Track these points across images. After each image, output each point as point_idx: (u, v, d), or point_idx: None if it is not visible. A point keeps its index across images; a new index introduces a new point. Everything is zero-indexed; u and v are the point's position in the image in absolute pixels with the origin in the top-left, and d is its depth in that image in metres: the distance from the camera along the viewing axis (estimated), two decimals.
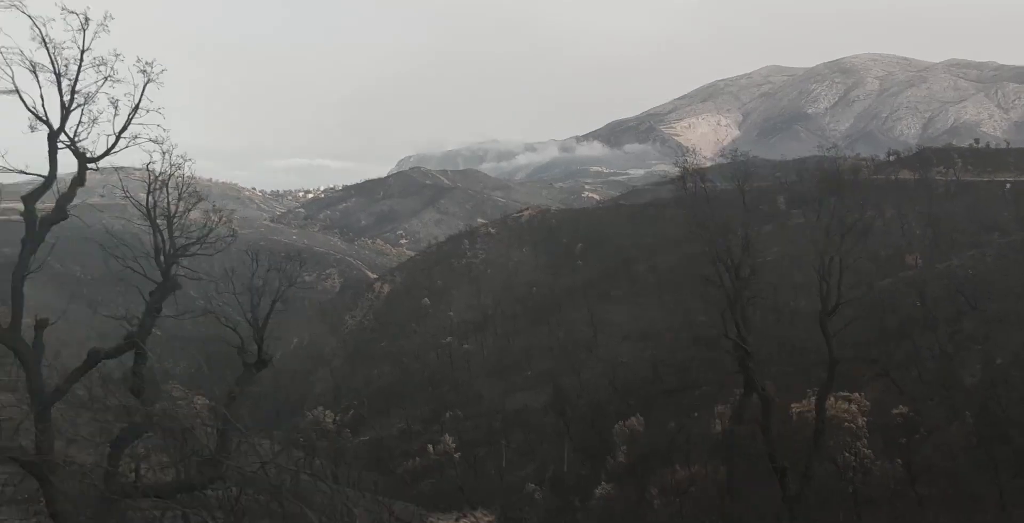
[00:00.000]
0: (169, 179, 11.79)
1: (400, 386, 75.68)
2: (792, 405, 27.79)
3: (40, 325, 10.46)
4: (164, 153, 11.65)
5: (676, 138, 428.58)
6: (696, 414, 36.83)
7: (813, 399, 25.57)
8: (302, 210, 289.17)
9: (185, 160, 12.17)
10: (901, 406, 27.94)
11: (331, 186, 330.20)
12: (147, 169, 11.84)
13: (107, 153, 11.45)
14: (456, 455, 40.13)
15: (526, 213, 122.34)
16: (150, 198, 12.00)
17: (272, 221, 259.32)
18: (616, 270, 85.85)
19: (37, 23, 9.88)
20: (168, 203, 12.14)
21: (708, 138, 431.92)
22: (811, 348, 37.80)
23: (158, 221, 11.89)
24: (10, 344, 9.91)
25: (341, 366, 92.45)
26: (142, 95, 10.89)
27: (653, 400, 41.26)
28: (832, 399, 25.47)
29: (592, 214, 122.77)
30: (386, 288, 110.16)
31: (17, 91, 10.14)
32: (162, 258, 11.79)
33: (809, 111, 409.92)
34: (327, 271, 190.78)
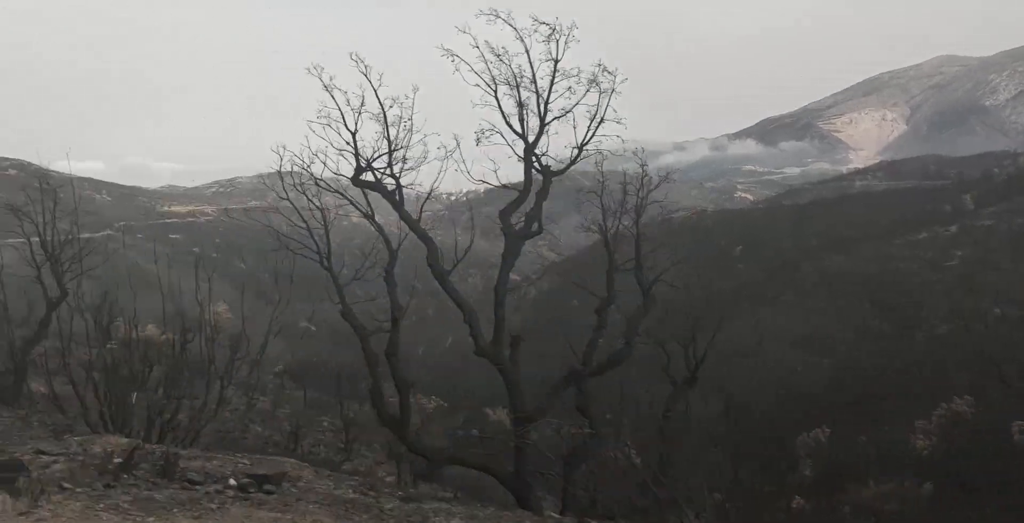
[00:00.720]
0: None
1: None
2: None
3: (515, 342, 10.80)
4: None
5: (836, 134, 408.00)
6: (887, 428, 34.27)
7: None
8: (445, 212, 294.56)
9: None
10: None
11: (474, 188, 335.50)
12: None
13: (570, 165, 11.90)
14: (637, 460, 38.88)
15: (679, 214, 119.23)
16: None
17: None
18: (779, 273, 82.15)
19: (521, 35, 10.06)
20: None
21: (871, 134, 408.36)
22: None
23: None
24: (494, 360, 10.15)
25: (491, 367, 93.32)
26: (606, 106, 11.05)
27: (835, 411, 38.81)
28: None
29: (749, 215, 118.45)
30: (532, 291, 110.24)
31: (499, 106, 10.44)
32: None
33: (987, 103, 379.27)
34: (469, 271, 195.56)
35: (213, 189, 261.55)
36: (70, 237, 17.52)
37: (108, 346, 23.24)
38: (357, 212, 11.81)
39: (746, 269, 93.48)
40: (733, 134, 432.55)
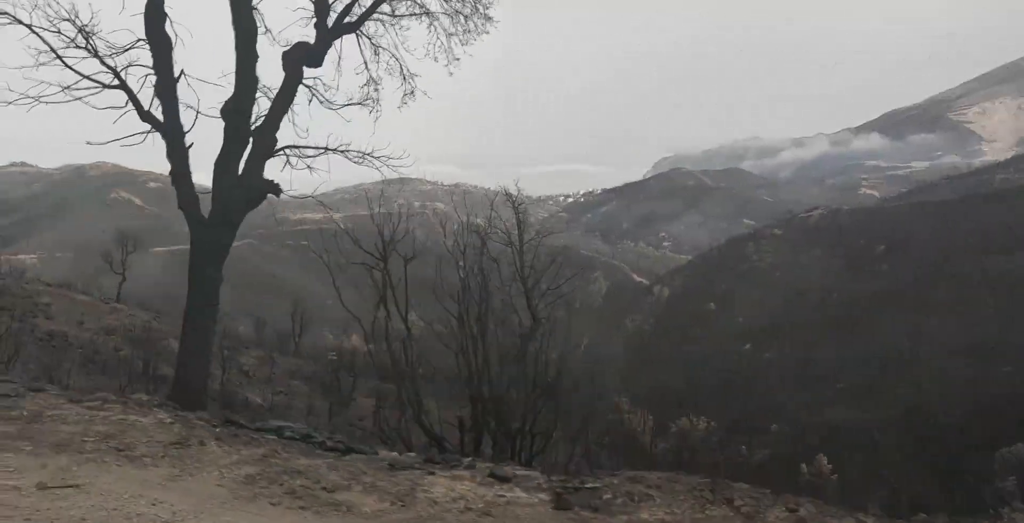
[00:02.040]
0: None
1: (690, 392, 73.68)
2: None
3: None
4: None
5: (967, 126, 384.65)
6: None
7: None
8: (565, 214, 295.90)
9: None
10: None
11: (589, 190, 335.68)
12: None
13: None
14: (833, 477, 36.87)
15: (815, 213, 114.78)
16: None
17: (537, 224, 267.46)
18: (930, 275, 77.36)
19: None
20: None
21: (1007, 124, 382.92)
22: None
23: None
24: None
25: (622, 369, 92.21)
26: None
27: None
28: None
29: (888, 213, 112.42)
30: (665, 292, 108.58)
31: None
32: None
33: None
34: (594, 274, 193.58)
35: (339, 196, 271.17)
36: None
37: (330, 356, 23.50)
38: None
39: (889, 270, 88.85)
40: (856, 128, 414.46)
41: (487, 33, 11.65)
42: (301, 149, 11.30)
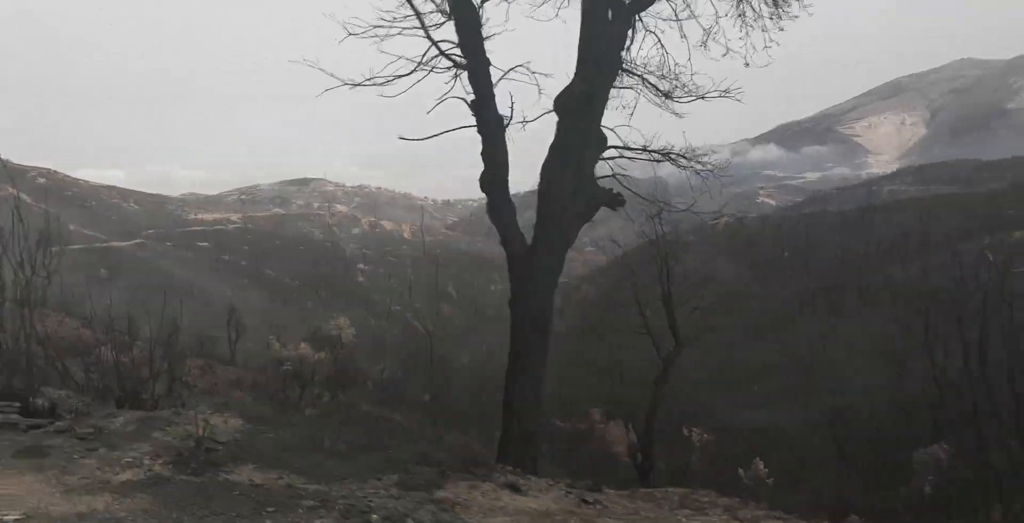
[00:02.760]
0: None
1: (617, 395, 74.80)
2: None
3: None
4: None
5: (855, 139, 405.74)
6: (1016, 446, 33.41)
7: None
8: (474, 218, 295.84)
9: None
10: None
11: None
12: None
13: None
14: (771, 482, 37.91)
15: (722, 221, 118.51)
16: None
17: (447, 229, 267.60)
18: (835, 282, 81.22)
19: None
20: None
21: (891, 139, 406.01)
22: None
23: None
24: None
25: (550, 372, 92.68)
26: None
27: (946, 426, 37.93)
28: None
29: (792, 221, 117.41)
30: (589, 293, 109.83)
31: None
32: None
33: (1009, 106, 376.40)
34: (492, 276, 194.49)
35: (234, 196, 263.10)
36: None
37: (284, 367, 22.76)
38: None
39: (795, 277, 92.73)
40: (753, 138, 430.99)
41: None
42: (621, 149, 9.46)
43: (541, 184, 8.88)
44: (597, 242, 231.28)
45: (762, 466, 40.77)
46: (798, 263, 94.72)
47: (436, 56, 9.11)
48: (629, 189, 9.81)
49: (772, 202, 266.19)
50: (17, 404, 6.78)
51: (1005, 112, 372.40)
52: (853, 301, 73.38)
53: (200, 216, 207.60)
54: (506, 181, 8.94)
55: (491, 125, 9.00)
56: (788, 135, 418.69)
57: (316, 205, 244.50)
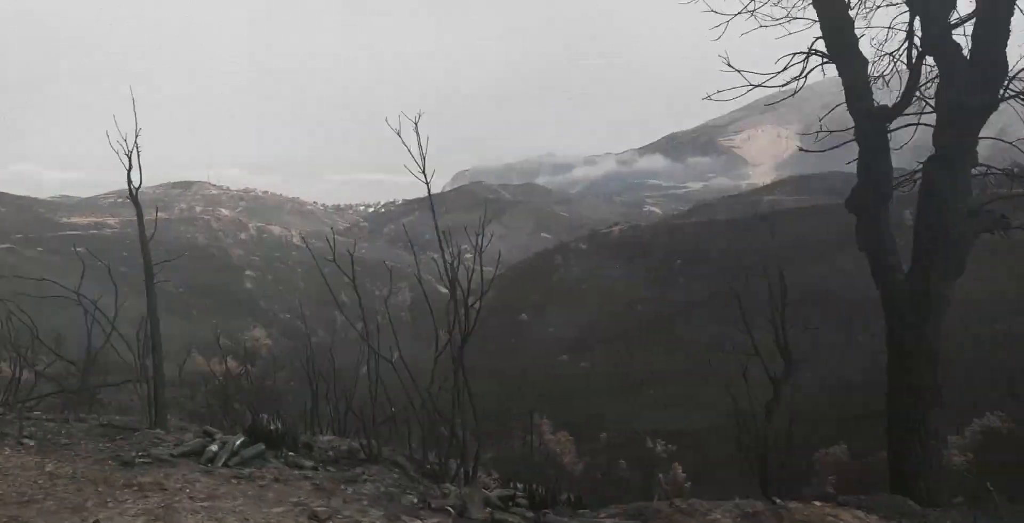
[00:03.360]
0: None
1: (512, 403, 74.45)
2: None
3: None
4: None
5: (736, 150, 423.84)
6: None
7: None
8: (366, 224, 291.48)
9: None
10: None
11: (391, 200, 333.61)
12: None
13: None
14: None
15: (616, 229, 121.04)
16: None
17: (338, 235, 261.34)
18: (725, 288, 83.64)
19: None
20: None
21: (768, 151, 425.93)
22: None
23: None
24: None
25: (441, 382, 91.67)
26: None
27: (843, 426, 39.30)
28: None
29: (683, 229, 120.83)
30: (478, 304, 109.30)
31: None
32: None
33: None
34: (399, 285, 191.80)
35: (111, 199, 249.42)
36: None
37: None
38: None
39: (688, 283, 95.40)
40: (640, 149, 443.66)
41: None
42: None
43: (926, 203, 7.41)
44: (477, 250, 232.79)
45: (680, 471, 41.07)
46: (689, 270, 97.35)
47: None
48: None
49: (658, 210, 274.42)
50: None
51: None
52: (743, 307, 75.55)
53: (74, 219, 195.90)
54: (889, 197, 7.53)
55: (868, 127, 7.49)
56: (674, 145, 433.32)
57: (199, 209, 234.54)
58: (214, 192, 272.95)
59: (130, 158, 7.39)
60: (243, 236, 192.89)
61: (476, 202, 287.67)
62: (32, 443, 5.72)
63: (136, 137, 7.27)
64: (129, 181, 7.76)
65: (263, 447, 5.86)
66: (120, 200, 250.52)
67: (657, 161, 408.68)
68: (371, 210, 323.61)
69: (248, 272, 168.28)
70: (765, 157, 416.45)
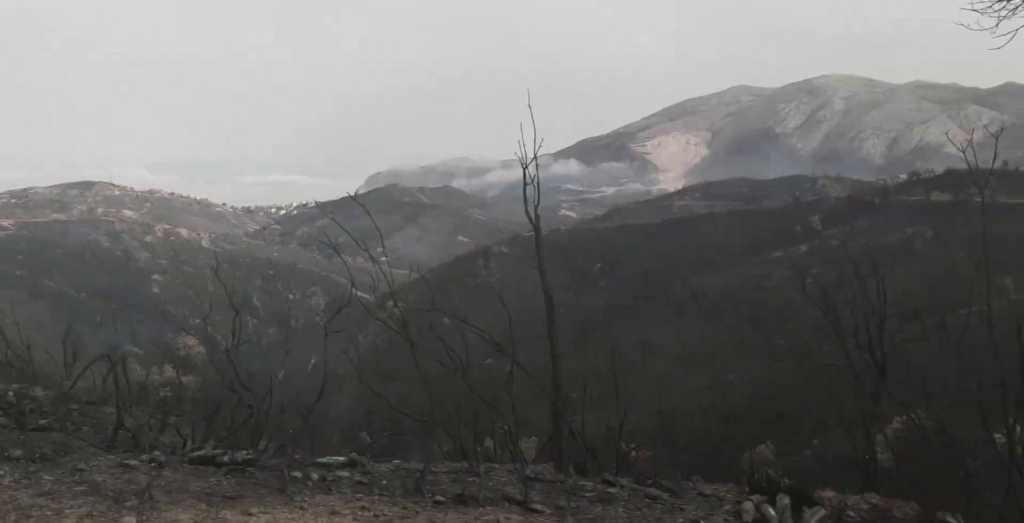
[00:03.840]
0: None
1: (436, 407, 73.99)
2: None
3: None
4: None
5: (647, 156, 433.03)
6: (816, 441, 36.28)
7: None
8: (278, 226, 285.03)
9: None
10: None
11: (303, 202, 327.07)
12: None
13: None
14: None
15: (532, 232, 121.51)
16: None
17: (249, 238, 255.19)
18: (645, 292, 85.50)
19: None
20: None
21: (678, 158, 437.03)
22: None
23: None
24: None
25: (360, 387, 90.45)
26: None
27: (765, 427, 40.63)
28: None
29: (600, 233, 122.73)
30: (398, 308, 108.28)
31: None
32: None
33: (777, 130, 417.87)
34: (311, 289, 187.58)
35: (3, 200, 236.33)
36: None
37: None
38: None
39: (608, 286, 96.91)
40: (555, 153, 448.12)
41: None
42: None
43: None
44: (392, 253, 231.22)
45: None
46: (609, 273, 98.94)
47: None
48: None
49: (574, 215, 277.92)
50: None
51: (774, 136, 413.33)
52: (662, 310, 77.46)
53: None
54: None
55: None
56: (587, 151, 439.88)
57: (100, 210, 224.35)
58: (116, 193, 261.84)
59: None
60: (149, 239, 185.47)
61: (393, 205, 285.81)
62: None
63: None
64: None
65: None
66: (13, 200, 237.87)
67: (571, 166, 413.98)
68: (283, 212, 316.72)
69: (155, 276, 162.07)
70: (675, 163, 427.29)
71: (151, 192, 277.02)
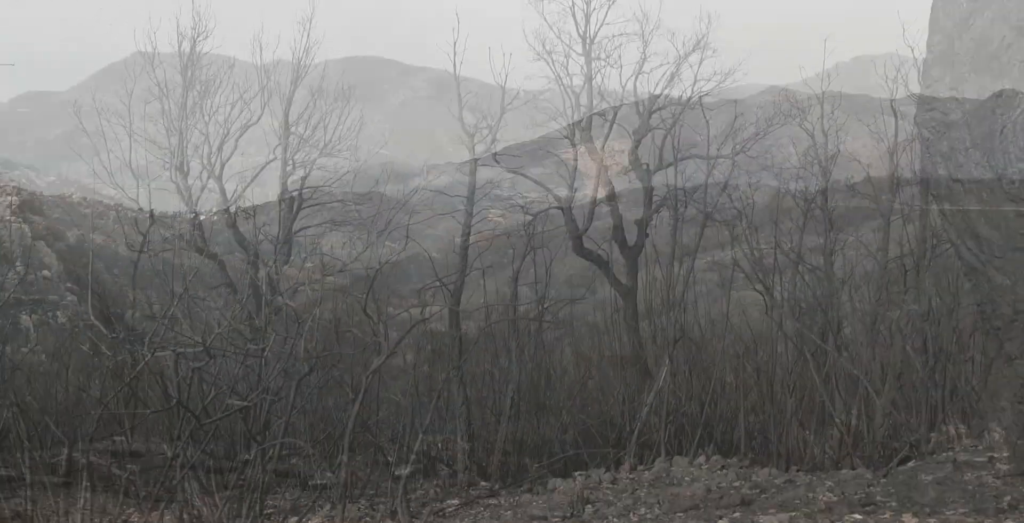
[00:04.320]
0: None
1: (370, 418, 72.89)
2: None
3: None
4: None
5: (572, 162, 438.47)
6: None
7: None
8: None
9: None
10: None
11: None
12: None
13: None
14: None
15: (472, 238, 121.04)
16: None
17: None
18: (574, 295, 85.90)
19: None
20: None
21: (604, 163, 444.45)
22: None
23: None
24: None
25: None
26: None
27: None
28: None
29: (535, 239, 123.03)
30: (327, 314, 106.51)
31: None
32: None
33: (699, 138, 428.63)
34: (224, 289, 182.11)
35: None
36: None
37: None
38: None
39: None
40: (480, 159, 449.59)
41: None
42: None
43: None
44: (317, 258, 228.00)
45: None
46: (550, 281, 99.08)
47: None
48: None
49: (502, 220, 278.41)
50: None
51: (699, 144, 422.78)
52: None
53: None
54: None
55: None
56: (515, 156, 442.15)
57: None
58: None
59: None
60: None
61: (319, 209, 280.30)
62: None
63: None
64: None
65: None
66: None
67: (497, 171, 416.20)
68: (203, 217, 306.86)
69: None
70: (600, 169, 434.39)
71: None
